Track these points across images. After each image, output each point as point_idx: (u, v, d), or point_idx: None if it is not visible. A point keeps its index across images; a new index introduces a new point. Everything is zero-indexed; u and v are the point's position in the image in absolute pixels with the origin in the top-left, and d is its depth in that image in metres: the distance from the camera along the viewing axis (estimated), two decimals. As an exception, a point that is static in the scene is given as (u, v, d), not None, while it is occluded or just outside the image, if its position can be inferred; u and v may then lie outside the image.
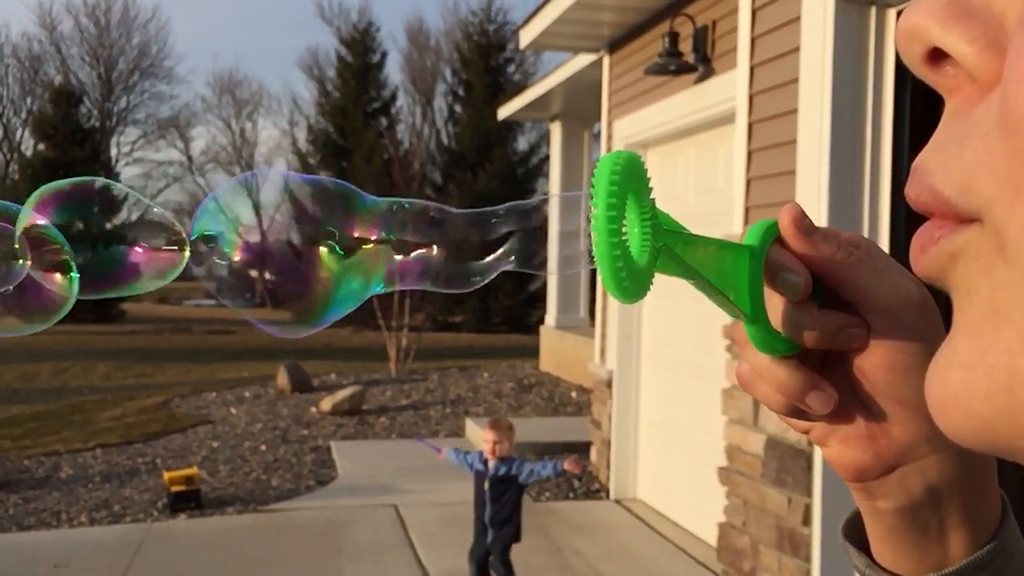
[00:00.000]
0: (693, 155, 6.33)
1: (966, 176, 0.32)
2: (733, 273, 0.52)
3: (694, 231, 0.51)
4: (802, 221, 0.53)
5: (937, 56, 0.34)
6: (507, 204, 0.57)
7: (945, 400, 0.34)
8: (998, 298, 0.32)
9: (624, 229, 0.46)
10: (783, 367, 0.54)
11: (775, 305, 0.54)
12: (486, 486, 4.89)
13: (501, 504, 4.87)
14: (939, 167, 0.34)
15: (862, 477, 0.56)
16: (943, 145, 0.34)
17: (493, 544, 4.90)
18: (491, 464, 4.89)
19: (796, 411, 0.56)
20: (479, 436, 8.78)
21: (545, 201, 0.56)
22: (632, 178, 0.47)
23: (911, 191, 0.35)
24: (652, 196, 0.48)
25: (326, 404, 10.45)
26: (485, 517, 4.90)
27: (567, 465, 4.76)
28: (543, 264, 0.55)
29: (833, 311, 0.53)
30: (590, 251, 0.47)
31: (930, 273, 0.36)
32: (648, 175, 0.48)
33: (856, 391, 0.55)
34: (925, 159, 0.35)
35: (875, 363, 0.53)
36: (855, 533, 0.62)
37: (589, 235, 0.47)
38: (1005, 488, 0.59)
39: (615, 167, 0.46)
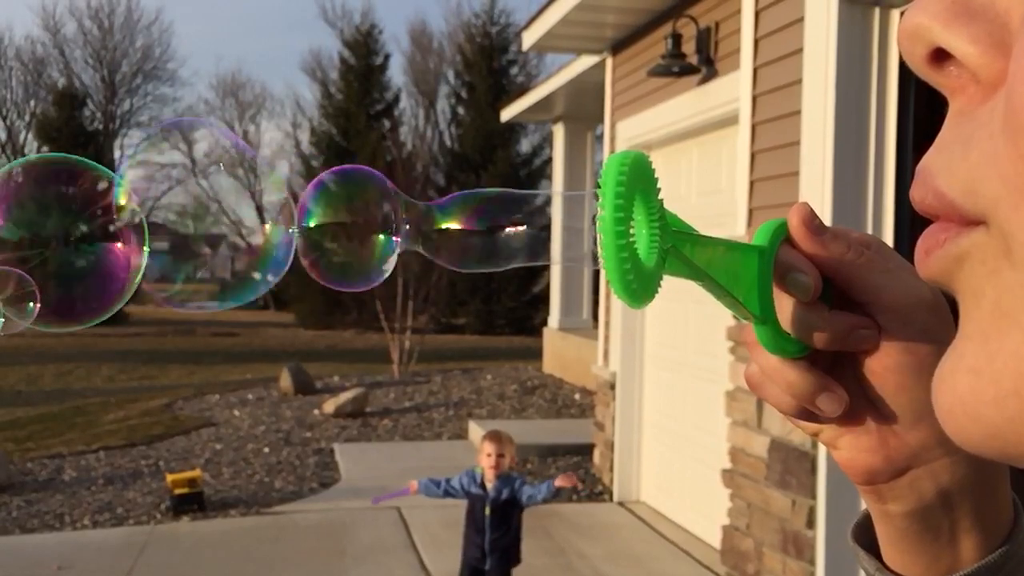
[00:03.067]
0: (696, 157, 6.33)
1: (971, 178, 0.32)
2: (742, 274, 0.52)
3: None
4: (812, 221, 0.53)
5: (940, 56, 0.33)
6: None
7: (953, 406, 0.34)
8: (1005, 301, 0.32)
9: (631, 230, 0.45)
10: (793, 368, 0.53)
11: (785, 306, 0.53)
12: (487, 511, 4.39)
13: (504, 530, 4.41)
14: (943, 169, 0.33)
15: (872, 480, 0.55)
16: (947, 147, 0.34)
17: (492, 572, 4.45)
18: (491, 486, 4.40)
19: (806, 413, 0.55)
20: (481, 438, 8.78)
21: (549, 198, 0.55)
22: (640, 178, 0.46)
23: (915, 194, 0.35)
24: (660, 196, 0.48)
25: (329, 406, 10.45)
26: (484, 544, 4.41)
27: (559, 482, 4.36)
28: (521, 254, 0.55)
29: (843, 312, 0.53)
30: (595, 253, 0.46)
31: (935, 276, 0.35)
32: (656, 175, 0.48)
33: (867, 393, 0.54)
34: (929, 161, 0.34)
35: (886, 364, 0.53)
36: (865, 536, 0.61)
37: (595, 236, 0.46)
38: (1017, 491, 0.58)
39: (622, 167, 0.45)
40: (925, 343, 0.52)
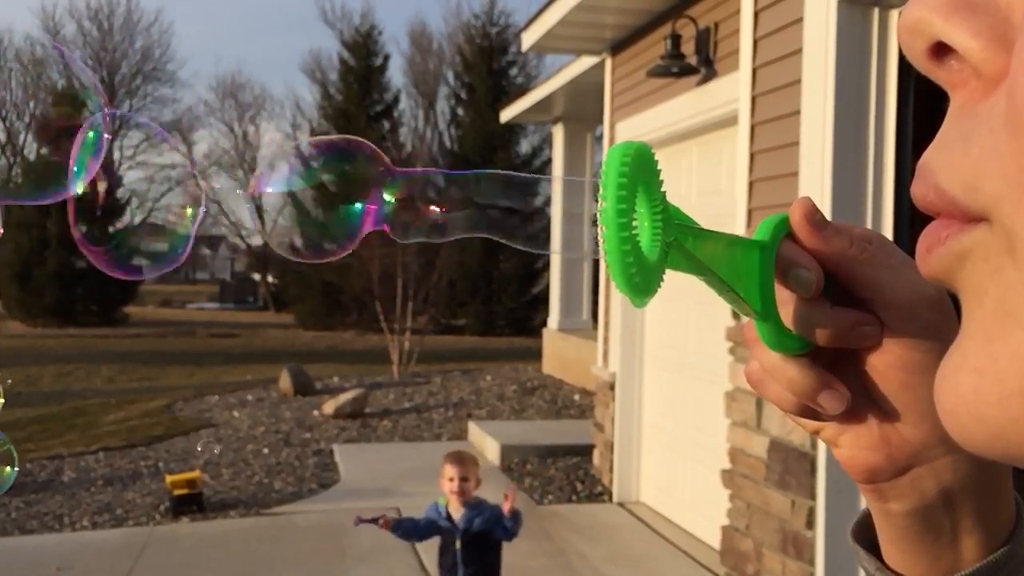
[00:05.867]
0: (696, 157, 6.32)
1: (973, 174, 0.32)
2: (743, 269, 0.51)
3: None
4: (814, 216, 0.52)
5: (941, 51, 0.33)
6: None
7: (956, 406, 0.33)
8: (1008, 300, 0.31)
9: (634, 223, 0.45)
10: (794, 365, 0.53)
11: (786, 302, 0.53)
12: (457, 545, 3.88)
13: (480, 565, 3.92)
14: (945, 165, 0.33)
15: (874, 479, 0.55)
16: (948, 143, 0.33)
17: None
18: (459, 517, 3.89)
19: (807, 411, 0.54)
20: (481, 439, 8.78)
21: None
22: (642, 170, 0.45)
23: (916, 190, 0.34)
24: (663, 189, 0.47)
25: (329, 407, 10.44)
26: None
27: (506, 507, 3.85)
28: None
29: (846, 308, 0.52)
30: (596, 246, 0.45)
31: (937, 274, 0.35)
32: (659, 166, 0.47)
33: (868, 390, 0.53)
34: (930, 157, 0.34)
35: (889, 362, 0.52)
36: (865, 535, 0.61)
37: (596, 230, 0.45)
38: (1020, 491, 0.58)
39: (625, 158, 0.44)
40: (928, 340, 0.51)
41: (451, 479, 3.88)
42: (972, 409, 0.32)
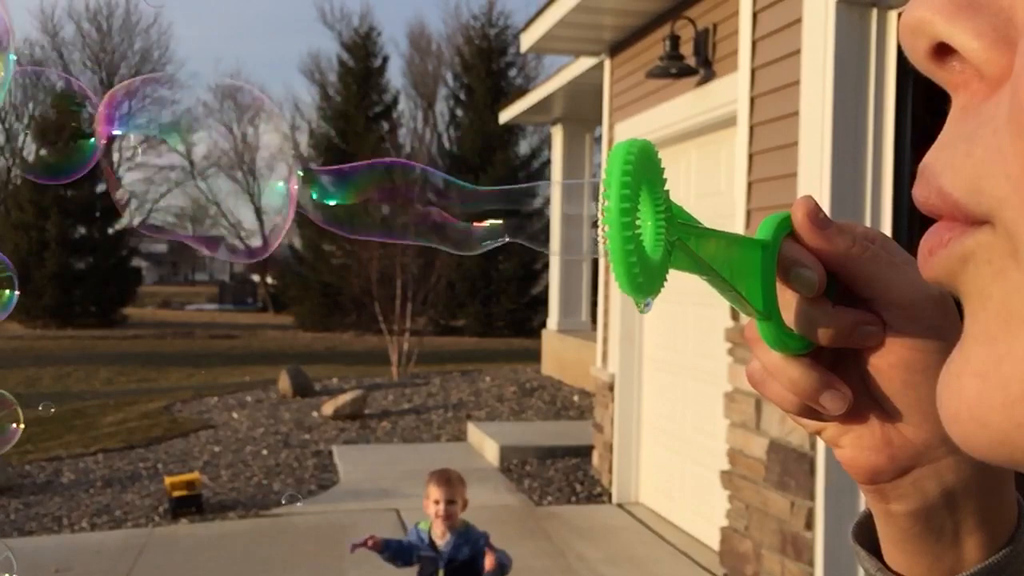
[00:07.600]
0: (695, 158, 6.32)
1: (975, 176, 0.31)
2: (745, 268, 0.51)
3: None
4: (816, 215, 0.52)
5: (943, 51, 0.33)
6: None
7: (959, 411, 0.33)
8: (1012, 303, 0.31)
9: (637, 222, 0.44)
10: (796, 365, 0.53)
11: (788, 301, 0.52)
12: (440, 574, 3.58)
13: None
14: (947, 167, 0.33)
15: (876, 479, 0.55)
16: (951, 144, 0.33)
17: None
18: (444, 542, 3.58)
19: (809, 411, 0.54)
20: (480, 440, 8.78)
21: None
22: (646, 168, 0.45)
23: (918, 192, 0.34)
24: (666, 187, 0.46)
25: (328, 408, 10.44)
26: None
27: (488, 559, 3.55)
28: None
29: (848, 308, 0.52)
30: (597, 245, 0.45)
31: (939, 277, 0.34)
32: (662, 164, 0.46)
33: (870, 390, 0.53)
34: (932, 159, 0.34)
35: (891, 362, 0.52)
36: (865, 536, 0.60)
37: (596, 231, 0.45)
38: (1022, 492, 0.58)
39: (628, 156, 0.44)
40: (931, 340, 0.51)
41: (436, 502, 3.58)
42: (976, 414, 0.32)
